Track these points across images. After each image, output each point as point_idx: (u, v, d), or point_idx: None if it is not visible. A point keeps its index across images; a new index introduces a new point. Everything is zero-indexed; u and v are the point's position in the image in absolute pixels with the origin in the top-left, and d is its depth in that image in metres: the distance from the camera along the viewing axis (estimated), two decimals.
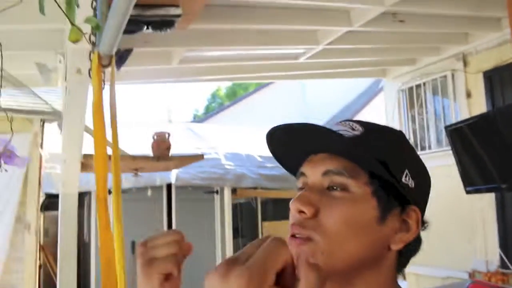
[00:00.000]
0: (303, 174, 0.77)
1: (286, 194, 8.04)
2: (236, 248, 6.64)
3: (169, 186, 6.43)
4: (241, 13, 3.70)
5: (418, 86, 5.92)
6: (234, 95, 23.83)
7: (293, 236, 0.70)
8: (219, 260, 6.76)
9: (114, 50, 1.39)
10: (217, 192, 6.73)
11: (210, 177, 6.13)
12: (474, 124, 3.70)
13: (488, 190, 4.26)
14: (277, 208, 8.41)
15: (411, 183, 0.72)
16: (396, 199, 0.72)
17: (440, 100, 5.72)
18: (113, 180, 1.48)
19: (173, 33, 3.45)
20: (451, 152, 4.61)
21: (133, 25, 2.71)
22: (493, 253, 4.62)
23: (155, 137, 3.50)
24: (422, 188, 0.76)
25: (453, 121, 5.28)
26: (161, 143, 3.42)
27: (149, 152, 3.63)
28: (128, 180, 5.58)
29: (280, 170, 5.38)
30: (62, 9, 1.45)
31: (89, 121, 3.16)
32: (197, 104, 47.62)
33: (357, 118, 12.04)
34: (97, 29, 1.44)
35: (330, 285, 0.71)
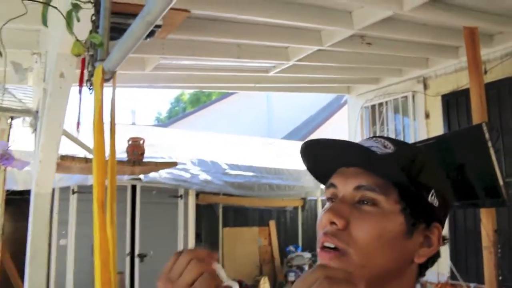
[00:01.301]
0: (333, 185, 0.79)
1: (248, 202, 8.20)
2: None
3: (133, 188, 6.47)
4: (219, 27, 3.85)
5: (380, 104, 6.20)
6: (198, 101, 23.83)
7: (323, 247, 0.73)
8: None
9: (119, 67, 1.50)
10: (181, 196, 6.81)
11: (176, 179, 6.21)
12: (431, 145, 3.94)
13: (470, 206, 4.48)
14: (238, 215, 8.53)
15: (435, 202, 0.76)
16: (421, 216, 0.75)
17: (400, 118, 6.01)
18: (109, 186, 1.58)
19: (150, 41, 3.57)
20: None
21: (115, 33, 2.81)
22: (444, 265, 4.87)
23: (130, 142, 3.59)
24: (445, 207, 0.78)
25: (412, 138, 5.58)
26: (136, 148, 3.51)
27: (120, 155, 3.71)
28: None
29: (244, 178, 5.60)
30: (67, 23, 1.55)
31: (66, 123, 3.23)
32: (160, 107, 47.13)
33: (319, 131, 12.21)
34: (100, 46, 1.55)
35: None
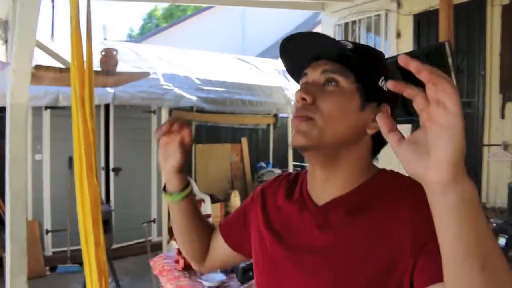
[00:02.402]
0: (305, 74, 0.99)
1: (222, 119, 8.32)
2: None
3: (106, 106, 6.48)
4: None
5: (353, 22, 6.23)
6: (171, 17, 23.15)
7: (296, 117, 0.94)
8: (154, 177, 7.05)
9: None
10: (154, 112, 6.88)
11: (149, 97, 6.23)
12: (397, 61, 4.05)
13: (407, 122, 4.71)
14: (211, 133, 8.68)
15: (385, 87, 0.95)
16: (372, 96, 0.95)
17: (372, 37, 6.07)
18: (86, 82, 1.66)
19: None
20: None
21: None
22: None
23: (103, 53, 3.59)
24: (394, 92, 0.94)
25: None
26: (109, 59, 3.52)
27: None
28: (66, 98, 5.61)
29: (217, 93, 5.72)
30: None
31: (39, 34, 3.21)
32: (132, 23, 45.50)
33: None
34: None
35: (319, 158, 0.96)
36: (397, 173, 0.97)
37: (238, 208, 1.24)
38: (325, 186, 0.98)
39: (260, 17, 13.50)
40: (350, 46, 0.96)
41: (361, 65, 0.94)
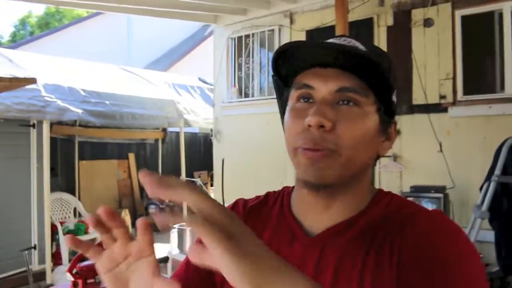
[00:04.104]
0: (308, 86, 0.78)
1: (107, 134, 7.86)
2: (52, 186, 6.31)
3: None
4: None
5: (247, 36, 6.22)
6: (47, 26, 21.73)
7: (309, 148, 0.74)
8: (34, 198, 6.34)
9: None
10: (33, 125, 6.25)
11: (28, 110, 5.65)
12: None
13: None
14: (96, 148, 8.17)
15: (395, 100, 0.82)
16: (391, 115, 0.82)
17: (266, 52, 6.12)
18: None
19: None
20: (271, 100, 5.03)
21: None
22: None
23: None
24: (397, 104, 0.85)
25: None
26: None
27: None
28: None
29: (106, 106, 5.29)
30: None
31: None
32: (0, 30, 42.10)
33: (183, 61, 11.99)
34: None
35: (332, 191, 0.79)
36: (397, 197, 0.85)
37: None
38: (323, 213, 0.82)
39: (147, 26, 13.13)
40: (363, 49, 0.79)
41: (382, 79, 0.77)
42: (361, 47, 0.79)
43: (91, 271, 2.61)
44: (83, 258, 4.70)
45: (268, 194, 0.94)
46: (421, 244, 0.70)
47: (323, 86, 0.76)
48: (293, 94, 0.80)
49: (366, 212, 0.81)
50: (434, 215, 0.76)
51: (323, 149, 0.74)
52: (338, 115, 0.75)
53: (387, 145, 0.83)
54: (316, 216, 0.82)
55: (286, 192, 0.91)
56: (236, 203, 0.95)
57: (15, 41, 19.60)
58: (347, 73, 0.76)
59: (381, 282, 0.72)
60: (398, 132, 0.93)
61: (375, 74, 0.75)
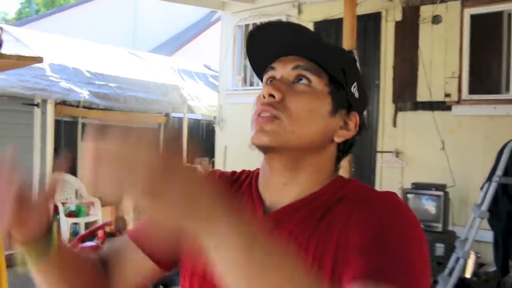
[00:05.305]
0: (273, 68, 0.90)
1: (110, 116, 7.84)
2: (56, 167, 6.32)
3: None
4: None
5: (254, 25, 6.20)
6: (53, 5, 21.60)
7: (259, 115, 0.84)
8: (36, 177, 6.38)
9: None
10: (37, 105, 6.25)
11: (33, 87, 5.64)
12: None
13: None
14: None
15: (356, 94, 0.90)
16: (344, 102, 0.89)
17: None
18: None
19: None
20: None
21: None
22: None
23: None
24: (363, 102, 0.93)
25: None
26: None
27: None
28: None
29: (110, 89, 5.27)
30: None
31: None
32: (6, 7, 41.80)
33: (188, 47, 11.88)
34: None
35: (281, 161, 0.87)
36: (355, 181, 0.90)
37: None
38: (281, 190, 0.89)
39: (153, 11, 13.06)
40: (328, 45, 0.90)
41: (337, 66, 0.88)
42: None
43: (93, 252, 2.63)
44: (84, 239, 4.76)
45: (243, 171, 1.02)
46: (370, 222, 0.75)
47: (282, 66, 0.88)
48: (264, 77, 0.91)
49: (322, 192, 0.87)
50: (387, 195, 0.82)
51: (270, 116, 0.83)
52: (290, 90, 0.85)
53: (345, 134, 0.89)
54: (275, 193, 0.89)
55: (257, 171, 0.97)
56: (213, 171, 1.04)
57: (20, 19, 19.51)
58: (307, 59, 0.87)
59: (323, 252, 0.77)
60: (366, 128, 0.96)
61: (326, 54, 0.87)
